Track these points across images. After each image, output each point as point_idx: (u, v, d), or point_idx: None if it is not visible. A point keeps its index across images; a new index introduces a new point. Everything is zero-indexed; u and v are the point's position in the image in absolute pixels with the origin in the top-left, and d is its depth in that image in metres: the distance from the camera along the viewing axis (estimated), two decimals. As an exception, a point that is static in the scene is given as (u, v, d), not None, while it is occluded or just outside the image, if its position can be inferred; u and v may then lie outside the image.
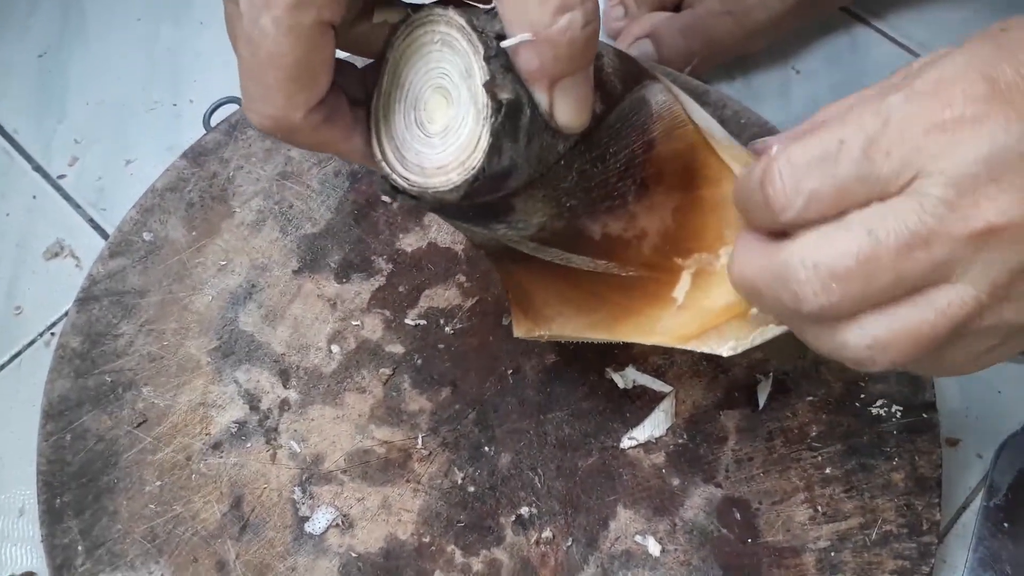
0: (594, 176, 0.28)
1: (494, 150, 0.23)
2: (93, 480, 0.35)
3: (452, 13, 0.24)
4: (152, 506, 0.34)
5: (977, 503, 0.38)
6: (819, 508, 0.34)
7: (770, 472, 0.34)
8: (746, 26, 0.46)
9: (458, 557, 0.33)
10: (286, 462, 0.35)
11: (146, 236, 0.39)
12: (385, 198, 0.40)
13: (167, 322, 0.37)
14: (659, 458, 0.35)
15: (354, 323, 0.37)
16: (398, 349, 0.37)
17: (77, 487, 0.34)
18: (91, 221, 0.44)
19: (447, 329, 0.37)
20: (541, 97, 0.24)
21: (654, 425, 0.35)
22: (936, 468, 0.35)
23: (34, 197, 0.45)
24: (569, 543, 0.34)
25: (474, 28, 0.23)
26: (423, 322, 0.37)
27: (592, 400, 0.36)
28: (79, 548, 0.34)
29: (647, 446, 0.35)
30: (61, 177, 0.45)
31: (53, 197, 0.45)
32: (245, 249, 0.39)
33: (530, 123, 0.24)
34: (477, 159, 0.24)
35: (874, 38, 0.50)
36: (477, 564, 0.33)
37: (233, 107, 0.45)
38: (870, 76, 0.48)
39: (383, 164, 0.25)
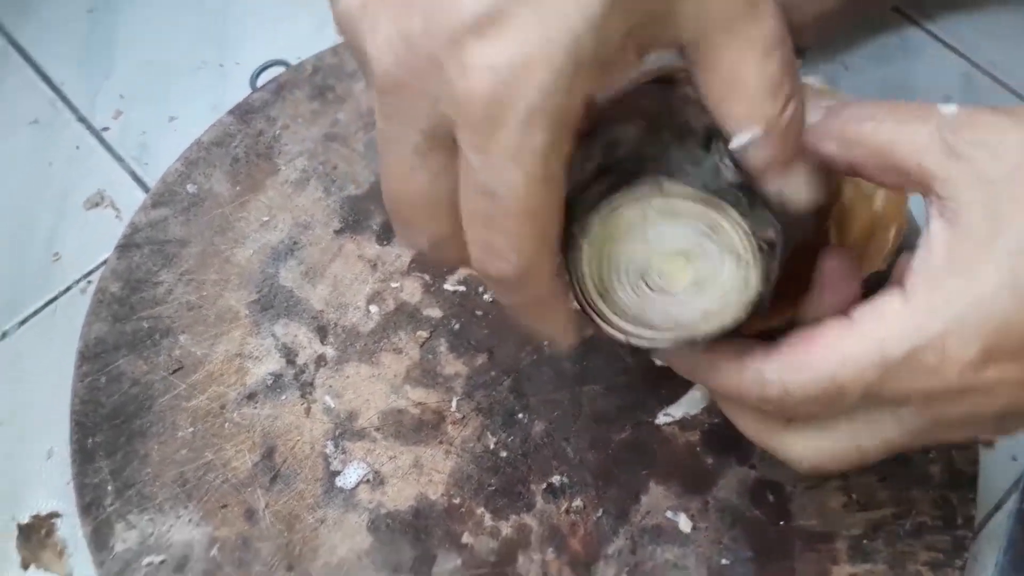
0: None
1: (766, 281, 0.24)
2: (126, 423, 0.35)
3: (667, 183, 0.24)
4: (184, 451, 0.35)
5: (1010, 505, 0.38)
6: (853, 496, 0.34)
7: (805, 456, 0.35)
8: (797, 20, 0.47)
9: (487, 520, 0.34)
10: (320, 416, 0.35)
11: (190, 188, 0.40)
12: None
13: (207, 273, 0.38)
14: (694, 436, 0.35)
15: (393, 285, 0.38)
16: (436, 313, 0.37)
17: (109, 429, 0.35)
18: (132, 174, 0.45)
19: (485, 297, 0.38)
20: (775, 185, 0.24)
21: (690, 403, 0.36)
22: (973, 464, 0.35)
23: (77, 148, 0.46)
24: (599, 514, 0.34)
25: (712, 191, 0.24)
26: (462, 288, 0.38)
27: (628, 375, 0.36)
28: (109, 488, 0.34)
29: (682, 424, 0.36)
30: (105, 130, 0.46)
31: (96, 149, 0.46)
32: (288, 207, 0.39)
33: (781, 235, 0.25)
34: (750, 295, 0.24)
35: (923, 39, 0.50)
36: (506, 528, 0.34)
37: (279, 69, 0.46)
38: (918, 76, 0.49)
39: (617, 334, 0.25)
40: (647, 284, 0.25)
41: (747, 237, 0.24)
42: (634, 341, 0.25)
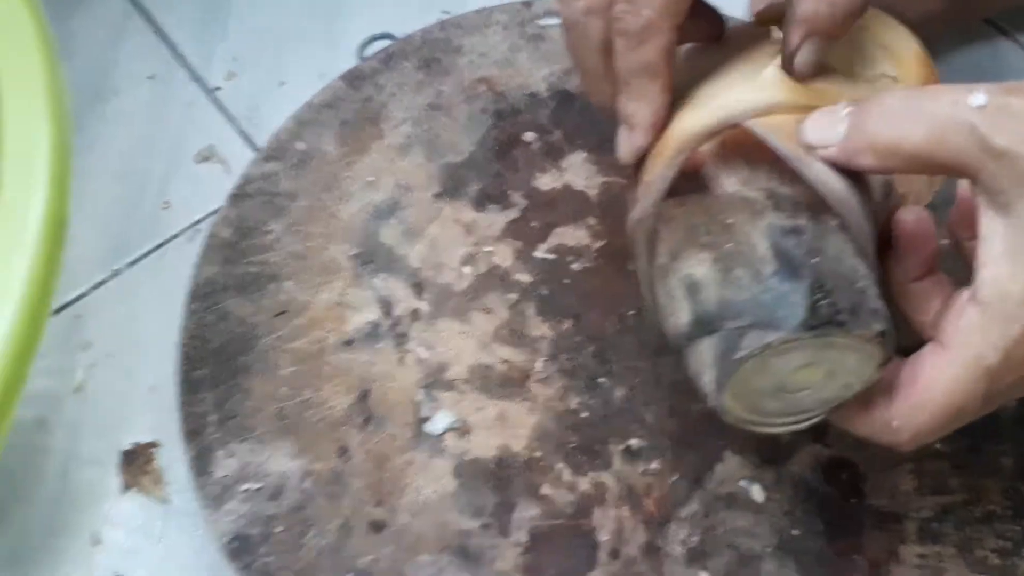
0: None
1: (892, 343, 0.27)
2: (231, 359, 0.38)
3: (775, 340, 0.27)
4: (284, 389, 0.37)
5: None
6: (925, 480, 0.36)
7: (879, 439, 0.36)
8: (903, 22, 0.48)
9: (566, 475, 0.36)
10: (413, 366, 0.38)
11: (299, 146, 0.42)
12: (526, 137, 0.43)
13: (314, 225, 0.40)
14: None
15: (487, 249, 0.40)
16: (526, 278, 0.40)
17: (215, 363, 0.38)
18: (241, 132, 0.48)
19: (574, 266, 0.40)
20: None
21: (768, 381, 0.37)
22: (1045, 459, 0.36)
23: (190, 105, 0.49)
24: (675, 478, 0.36)
25: (811, 327, 0.26)
26: (552, 256, 0.40)
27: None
28: (212, 418, 0.37)
29: (759, 399, 0.37)
30: (217, 89, 0.49)
31: (208, 107, 0.49)
32: (391, 170, 0.42)
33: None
34: (879, 360, 0.28)
35: (1017, 53, 0.51)
36: (584, 484, 0.35)
37: (384, 42, 0.48)
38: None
39: (777, 431, 0.30)
40: (786, 391, 0.28)
41: (862, 340, 0.27)
42: (793, 428, 0.30)
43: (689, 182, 0.30)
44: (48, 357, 0.42)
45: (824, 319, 0.26)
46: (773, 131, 0.28)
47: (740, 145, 0.29)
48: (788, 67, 0.29)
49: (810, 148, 0.28)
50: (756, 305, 0.27)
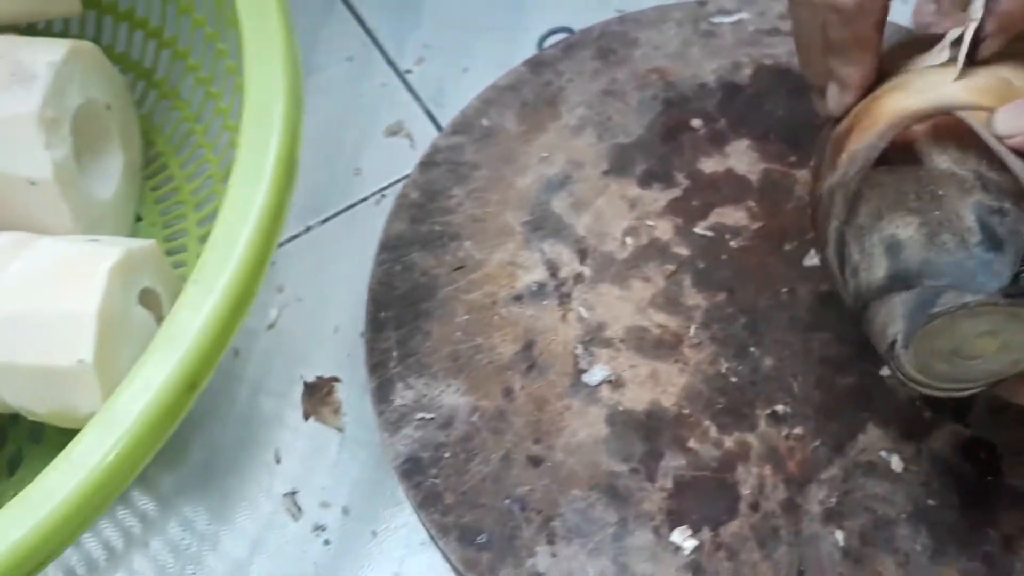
0: None
1: None
2: (413, 304, 0.42)
3: (972, 301, 0.29)
4: (458, 334, 0.42)
5: None
6: (1066, 468, 0.37)
7: (1022, 425, 0.38)
8: None
9: (713, 432, 0.39)
10: (574, 323, 0.41)
11: (484, 122, 0.47)
12: (693, 123, 0.46)
13: (492, 193, 0.45)
14: (915, 392, 0.39)
15: (648, 223, 0.44)
16: (684, 252, 0.43)
17: (399, 307, 0.42)
18: (427, 111, 0.53)
19: (731, 243, 0.43)
20: None
21: (913, 363, 0.39)
22: None
23: (383, 85, 0.54)
24: (817, 443, 0.38)
25: (1008, 296, 0.29)
26: (710, 233, 0.43)
27: (859, 329, 0.40)
28: (394, 354, 0.41)
29: (903, 379, 0.39)
30: (407, 72, 0.54)
31: (399, 88, 0.54)
32: (565, 147, 0.46)
33: None
34: None
35: None
36: (729, 442, 0.38)
37: (562, 35, 0.52)
38: None
39: (940, 394, 0.32)
40: (959, 356, 0.31)
41: None
42: (954, 395, 0.32)
43: (896, 154, 0.32)
44: (249, 296, 0.48)
45: (1022, 290, 0.28)
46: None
47: (951, 130, 0.32)
48: (972, 52, 0.32)
49: (1001, 138, 0.30)
50: (958, 268, 0.29)
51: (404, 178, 0.50)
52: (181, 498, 0.43)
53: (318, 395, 0.45)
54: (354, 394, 0.45)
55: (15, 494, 0.42)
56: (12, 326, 0.36)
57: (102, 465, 0.30)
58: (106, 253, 0.37)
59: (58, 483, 0.30)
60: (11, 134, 0.39)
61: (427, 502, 0.38)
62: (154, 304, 0.40)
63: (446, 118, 0.52)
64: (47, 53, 0.41)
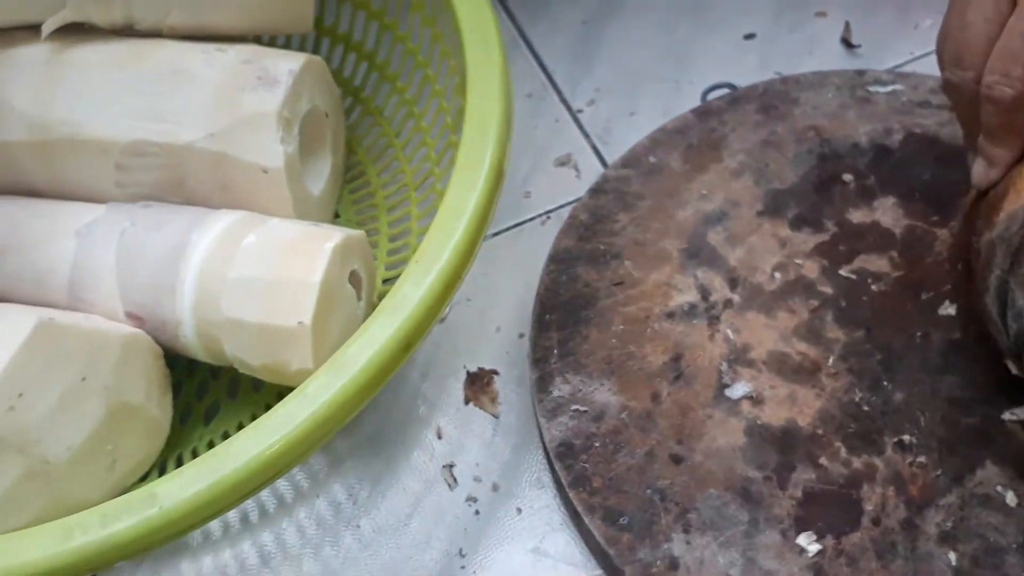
0: None
1: None
2: (575, 310, 0.48)
3: None
4: (613, 341, 0.47)
5: None
6: None
7: None
8: None
9: (843, 452, 0.43)
10: (720, 343, 0.46)
11: (651, 159, 0.53)
12: (845, 177, 0.51)
13: (654, 221, 0.51)
14: (1034, 438, 0.43)
15: (796, 261, 0.49)
16: (828, 290, 0.48)
17: (563, 311, 0.48)
18: (594, 147, 0.59)
19: (872, 287, 0.47)
20: None
21: (1036, 411, 0.43)
22: None
23: (556, 120, 0.61)
24: (938, 473, 0.42)
25: None
26: (853, 276, 0.48)
27: (985, 376, 0.44)
28: (555, 352, 0.47)
29: (1025, 425, 0.43)
30: (579, 111, 0.61)
31: (570, 124, 0.61)
32: (723, 187, 0.51)
33: None
34: None
35: None
36: (857, 462, 0.43)
37: (724, 91, 0.58)
38: None
39: None
40: None
41: None
42: None
43: None
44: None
45: None
46: None
47: None
48: None
49: None
50: None
51: (569, 203, 0.57)
52: (352, 459, 0.50)
53: (478, 384, 0.51)
54: (510, 387, 0.51)
55: (211, 440, 0.49)
56: (244, 288, 0.43)
57: (331, 400, 0.36)
58: (330, 234, 0.44)
59: (296, 409, 0.36)
60: (254, 128, 0.47)
61: (576, 483, 0.43)
62: (357, 285, 0.46)
63: (610, 154, 0.58)
64: (287, 62, 0.48)
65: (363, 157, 0.57)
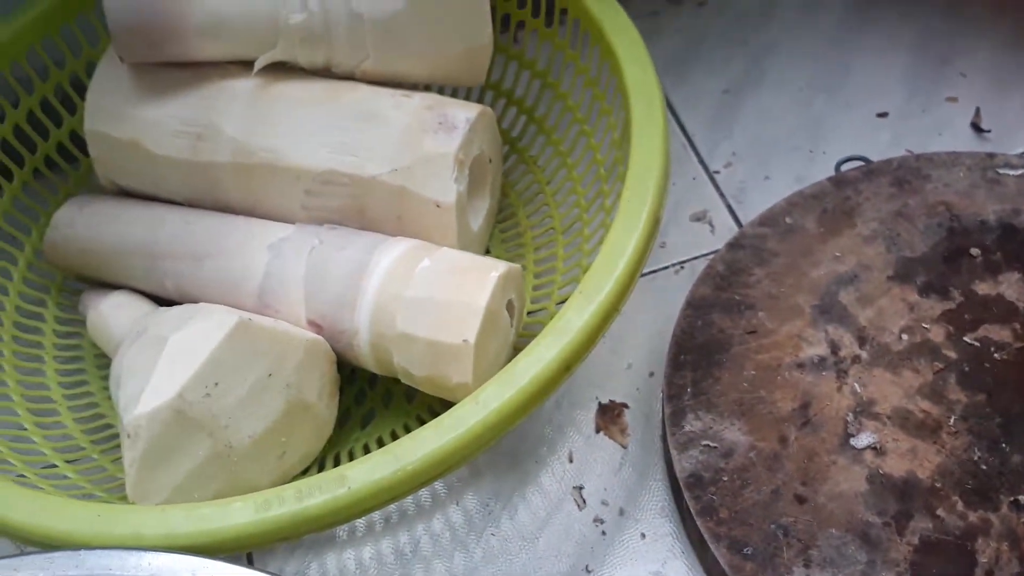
0: None
1: None
2: (709, 354, 0.52)
3: None
4: (745, 384, 0.51)
5: None
6: None
7: None
8: None
9: (960, 506, 0.46)
10: (847, 395, 0.50)
11: (787, 220, 0.57)
12: (972, 251, 0.54)
13: (788, 278, 0.54)
14: None
15: (923, 326, 0.52)
16: (952, 355, 0.51)
17: (697, 353, 0.52)
18: (728, 206, 0.63)
19: (995, 355, 0.50)
20: None
21: None
22: None
23: (693, 178, 0.65)
24: (1054, 534, 0.44)
25: None
26: (977, 343, 0.51)
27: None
28: (688, 390, 0.51)
29: None
30: (716, 172, 0.65)
31: (707, 184, 0.65)
32: (856, 251, 0.55)
33: None
34: None
35: None
36: (972, 516, 0.45)
37: (857, 163, 0.62)
38: None
39: None
40: None
41: None
42: None
43: None
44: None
45: None
46: None
47: None
48: None
49: None
50: None
51: (702, 255, 0.61)
52: (488, 473, 0.54)
53: (609, 415, 0.56)
54: (639, 421, 0.55)
55: (366, 443, 0.54)
56: (417, 306, 0.48)
57: (500, 407, 0.41)
58: (495, 265, 0.49)
59: (469, 413, 0.41)
60: (432, 166, 0.52)
61: (704, 512, 0.47)
62: (511, 312, 0.51)
63: (744, 213, 0.62)
64: (465, 111, 0.54)
65: (515, 200, 0.62)
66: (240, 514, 0.40)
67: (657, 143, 0.48)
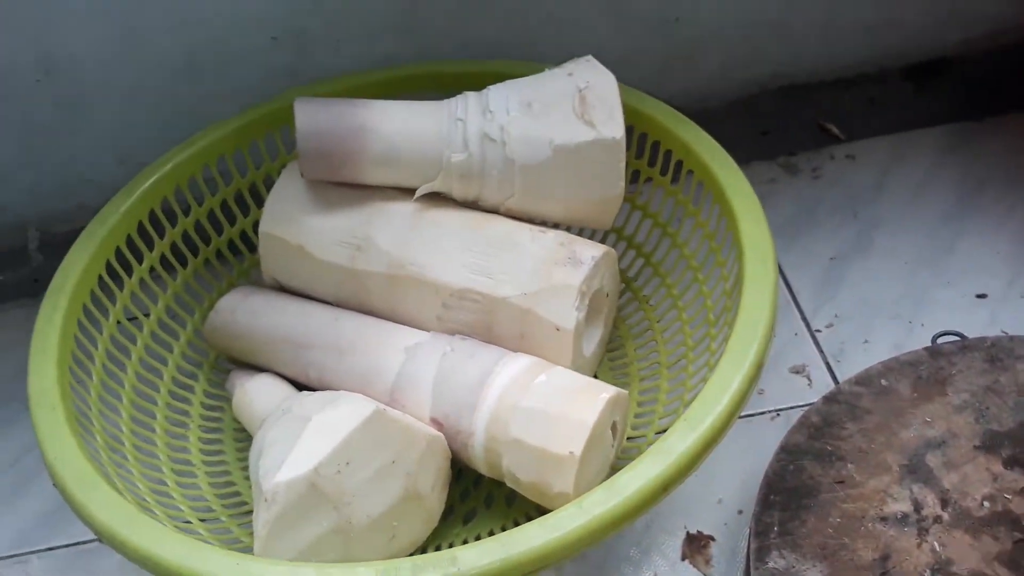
0: None
1: None
2: (798, 497, 0.56)
3: None
4: (829, 530, 0.54)
5: None
6: None
7: None
8: None
9: (1031, 673, 0.47)
10: (927, 552, 0.53)
11: (883, 382, 0.61)
12: (1061, 433, 0.57)
13: (879, 435, 0.58)
14: None
15: (1006, 496, 0.54)
16: (1033, 528, 0.53)
17: (787, 495, 0.56)
18: (827, 364, 0.68)
19: (1077, 534, 0.53)
20: None
21: None
22: None
23: (795, 334, 0.70)
24: None
25: None
26: (1059, 521, 0.53)
27: None
28: (775, 529, 0.55)
29: None
30: (817, 331, 0.70)
31: (808, 340, 0.70)
32: (946, 419, 0.58)
33: None
34: None
35: None
36: None
37: (952, 338, 0.66)
38: None
39: None
40: None
41: None
42: None
43: None
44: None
45: None
46: None
47: None
48: None
49: None
50: None
51: (798, 406, 0.65)
52: (578, 584, 0.58)
53: (696, 544, 0.59)
54: (724, 555, 0.59)
55: (465, 538, 0.59)
56: (531, 416, 0.54)
57: (602, 514, 0.46)
58: (606, 388, 0.55)
59: (571, 516, 0.46)
60: (558, 295, 0.59)
61: (779, 645, 0.50)
62: (614, 433, 0.56)
63: (841, 371, 0.67)
64: (592, 250, 0.61)
65: (624, 333, 0.68)
66: (361, 578, 0.45)
67: (767, 296, 0.54)
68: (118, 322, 0.63)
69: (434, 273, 0.61)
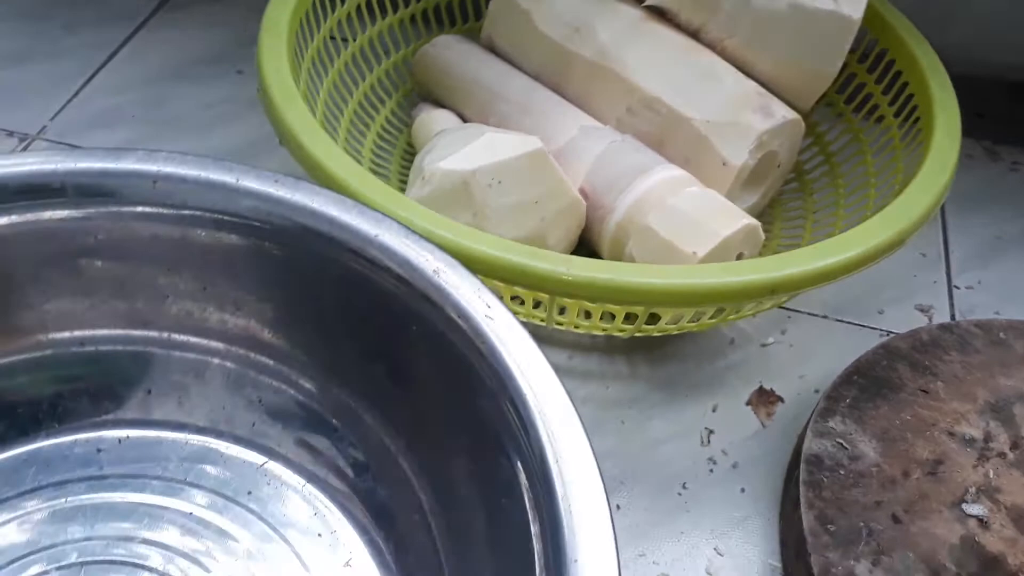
0: None
1: None
2: (879, 386, 0.58)
3: None
4: (897, 422, 0.56)
5: None
6: None
7: None
8: None
9: (1035, 600, 0.49)
10: (979, 474, 0.54)
11: (1001, 335, 0.62)
12: None
13: (977, 372, 0.60)
14: None
15: (1077, 467, 0.55)
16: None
17: (870, 381, 0.58)
18: (952, 317, 0.69)
19: None
20: None
21: None
22: None
23: (935, 282, 0.72)
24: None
25: None
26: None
27: None
28: (847, 401, 0.57)
29: None
30: (956, 287, 0.71)
31: (944, 290, 0.71)
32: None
33: None
34: None
35: None
36: (1043, 613, 0.49)
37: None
38: None
39: None
40: None
41: None
42: None
43: None
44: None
45: None
46: None
47: None
48: None
49: None
50: None
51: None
52: (653, 389, 0.62)
53: (764, 398, 0.62)
54: (786, 416, 0.62)
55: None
56: (672, 212, 0.58)
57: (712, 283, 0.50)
58: (748, 217, 0.58)
59: (689, 273, 0.50)
60: (738, 133, 0.62)
61: (811, 484, 0.53)
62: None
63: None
64: (784, 110, 0.63)
65: (776, 213, 0.71)
66: (485, 243, 0.50)
67: (945, 177, 0.56)
68: (330, 35, 0.70)
69: (634, 74, 0.65)
